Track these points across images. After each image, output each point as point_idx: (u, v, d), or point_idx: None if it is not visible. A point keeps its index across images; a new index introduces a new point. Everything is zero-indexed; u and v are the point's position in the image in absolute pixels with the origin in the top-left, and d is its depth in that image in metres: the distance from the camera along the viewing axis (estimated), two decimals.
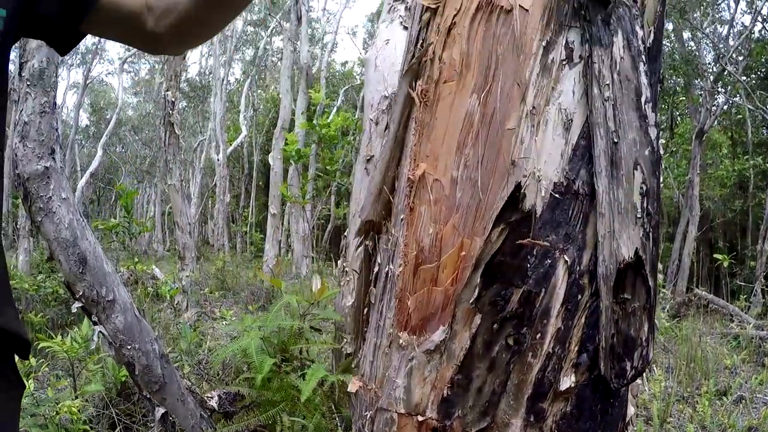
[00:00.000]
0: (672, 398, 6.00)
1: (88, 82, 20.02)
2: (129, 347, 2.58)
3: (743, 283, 14.81)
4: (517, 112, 0.80)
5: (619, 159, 0.76)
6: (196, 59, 31.00)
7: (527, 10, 0.82)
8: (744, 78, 18.94)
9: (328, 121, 5.57)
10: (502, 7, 0.84)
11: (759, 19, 18.69)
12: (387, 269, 0.92)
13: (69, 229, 2.46)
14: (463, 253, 0.82)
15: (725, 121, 20.03)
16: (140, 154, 26.54)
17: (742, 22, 20.16)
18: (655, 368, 7.46)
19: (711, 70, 15.90)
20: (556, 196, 0.77)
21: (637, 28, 0.77)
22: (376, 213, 0.94)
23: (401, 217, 0.89)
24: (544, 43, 0.79)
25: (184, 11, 1.00)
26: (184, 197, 8.60)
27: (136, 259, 8.74)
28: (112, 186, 28.47)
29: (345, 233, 4.22)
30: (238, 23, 26.84)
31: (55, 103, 2.46)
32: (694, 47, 17.75)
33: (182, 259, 8.24)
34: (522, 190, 0.79)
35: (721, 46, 17.55)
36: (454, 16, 0.88)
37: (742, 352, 8.35)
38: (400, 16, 4.19)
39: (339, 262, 3.63)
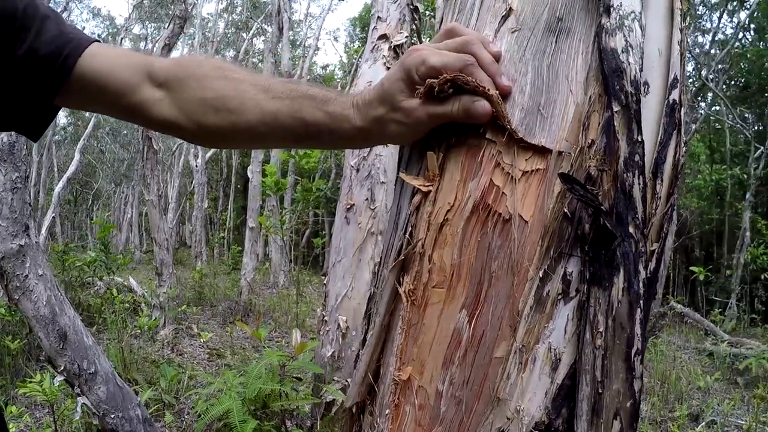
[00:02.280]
0: (645, 424, 6.06)
1: None
2: (113, 416, 2.57)
3: (718, 299, 14.98)
4: (507, 342, 0.77)
5: (600, 407, 0.73)
6: None
7: (527, 222, 0.78)
8: (724, 87, 19.19)
9: (308, 152, 5.52)
10: (500, 214, 0.80)
11: (740, 28, 18.92)
12: None
13: (47, 306, 2.42)
14: None
15: (704, 129, 20.30)
16: (118, 156, 26.29)
17: (724, 32, 20.38)
18: None
19: (692, 83, 16.09)
20: None
21: (641, 268, 0.74)
22: (361, 394, 0.91)
23: (386, 411, 0.85)
24: (541, 273, 0.75)
25: (243, 125, 0.91)
26: (161, 212, 8.51)
27: (113, 270, 8.65)
28: (89, 188, 28.18)
29: (324, 272, 4.20)
30: (220, 24, 26.65)
31: (27, 177, 2.40)
32: None
33: (160, 275, 8.17)
34: (505, 428, 0.76)
35: (701, 58, 17.75)
36: (447, 211, 0.84)
37: (716, 372, 8.46)
38: (384, 56, 4.14)
39: (318, 310, 3.61)
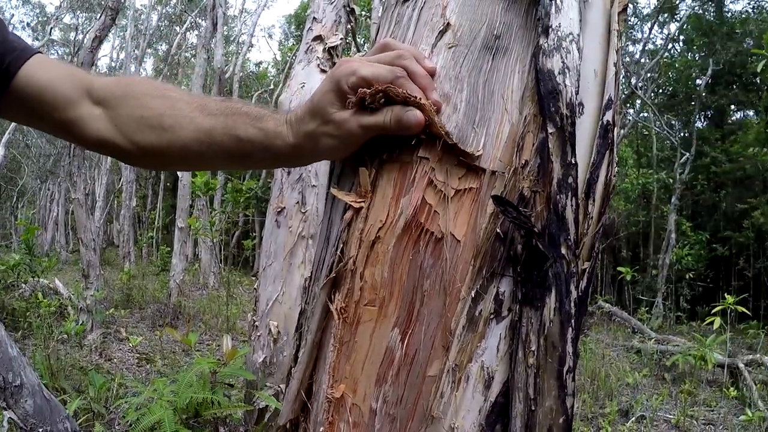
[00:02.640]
0: (577, 420, 6.21)
1: None
2: (41, 430, 2.47)
3: (645, 298, 15.51)
4: (440, 361, 0.76)
5: (533, 424, 0.73)
6: (107, 52, 29.80)
7: (459, 241, 0.78)
8: (652, 95, 19.89)
9: None
10: (432, 233, 0.79)
11: (669, 39, 19.63)
12: None
13: None
14: None
15: (632, 134, 20.97)
16: (44, 152, 25.34)
17: (654, 42, 21.11)
18: None
19: (622, 90, 16.59)
20: None
21: (572, 288, 0.74)
22: (294, 412, 0.89)
23: (320, 429, 0.83)
24: (473, 293, 0.75)
25: (178, 143, 0.90)
26: (88, 212, 8.25)
27: (38, 273, 8.33)
28: (14, 185, 27.09)
29: (255, 277, 4.13)
30: (153, 17, 26.06)
31: None
32: None
33: (86, 277, 7.91)
34: None
35: (632, 66, 18.33)
36: (379, 228, 0.82)
37: (644, 369, 8.74)
38: (318, 57, 4.10)
39: (249, 315, 3.55)
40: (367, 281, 0.82)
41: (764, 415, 6.04)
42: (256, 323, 3.44)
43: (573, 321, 0.74)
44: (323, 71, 4.05)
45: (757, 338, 11.40)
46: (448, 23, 0.90)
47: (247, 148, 0.88)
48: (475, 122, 0.80)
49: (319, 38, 4.18)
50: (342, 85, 0.81)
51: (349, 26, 4.56)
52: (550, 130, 0.75)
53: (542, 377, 0.74)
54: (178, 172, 12.94)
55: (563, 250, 0.73)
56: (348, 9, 4.42)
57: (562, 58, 0.78)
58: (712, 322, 7.98)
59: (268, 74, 30.33)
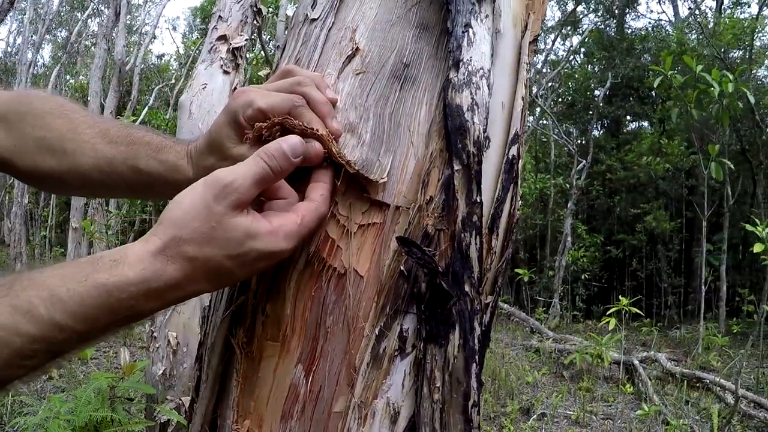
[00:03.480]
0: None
1: None
2: None
3: (542, 299, 16.04)
4: (345, 397, 0.74)
5: None
6: (2, 35, 28.19)
7: (362, 277, 0.76)
8: (552, 103, 20.61)
9: None
10: (335, 269, 0.77)
11: (571, 51, 20.39)
12: None
13: None
14: None
15: (531, 140, 21.63)
16: None
17: (556, 53, 21.87)
18: None
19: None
20: None
21: (476, 324, 0.74)
22: None
23: None
24: (377, 330, 0.73)
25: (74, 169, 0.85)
26: None
27: None
28: None
29: None
30: (54, 1, 24.82)
31: None
32: None
33: None
34: None
35: (534, 75, 18.91)
36: (280, 263, 0.80)
37: (543, 367, 9.04)
38: (222, 58, 4.00)
39: (147, 326, 3.41)
40: (269, 316, 0.80)
41: (659, 408, 6.36)
42: (155, 334, 3.31)
43: (477, 356, 0.74)
44: (226, 72, 3.96)
45: (651, 335, 11.98)
46: (357, 48, 0.88)
47: (147, 181, 0.84)
48: (380, 154, 0.79)
49: (223, 38, 4.07)
50: (238, 117, 0.77)
51: (255, 26, 4.48)
52: (456, 167, 0.74)
53: (448, 412, 0.73)
54: None
55: (467, 288, 0.73)
56: (255, 9, 4.33)
57: (471, 94, 0.77)
58: (608, 321, 8.34)
59: (170, 67, 29.47)
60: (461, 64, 0.79)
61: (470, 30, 0.81)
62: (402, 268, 0.74)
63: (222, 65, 3.99)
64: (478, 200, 0.74)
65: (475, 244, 0.74)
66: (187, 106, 3.76)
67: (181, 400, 3.22)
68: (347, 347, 0.75)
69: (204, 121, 3.71)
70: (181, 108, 3.81)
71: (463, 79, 0.78)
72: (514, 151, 0.83)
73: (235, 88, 4.00)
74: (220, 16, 4.13)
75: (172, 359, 3.26)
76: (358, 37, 0.89)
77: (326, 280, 0.77)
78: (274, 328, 0.79)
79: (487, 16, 0.86)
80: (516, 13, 0.95)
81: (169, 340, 3.25)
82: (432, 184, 0.76)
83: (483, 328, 0.77)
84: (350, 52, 0.88)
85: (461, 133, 0.75)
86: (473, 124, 0.76)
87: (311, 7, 0.97)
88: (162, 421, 3.21)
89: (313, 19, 0.95)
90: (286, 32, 1.06)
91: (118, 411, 2.93)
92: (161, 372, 3.22)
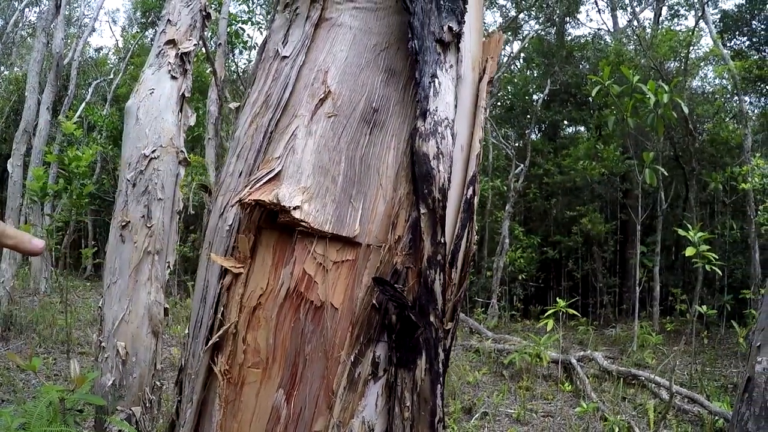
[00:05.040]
0: None
1: None
2: None
3: (480, 299, 16.28)
4: (324, 418, 0.82)
5: None
6: None
7: (337, 309, 0.83)
8: (490, 107, 20.89)
9: (79, 154, 5.11)
10: (312, 302, 0.84)
11: (512, 57, 20.68)
12: None
13: None
14: None
15: None
16: None
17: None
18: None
19: None
20: None
21: (440, 350, 0.83)
22: None
23: None
24: (352, 358, 0.81)
25: None
26: None
27: None
28: None
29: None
30: None
31: None
32: None
33: None
34: None
35: None
36: (260, 295, 0.86)
37: (483, 367, 9.19)
38: (170, 62, 3.94)
39: (95, 335, 3.38)
40: (249, 345, 0.86)
41: (597, 405, 6.55)
42: (103, 344, 3.26)
43: (441, 378, 0.83)
44: (174, 78, 3.91)
45: (587, 334, 12.24)
46: (329, 91, 0.94)
47: None
48: (352, 196, 0.86)
49: (172, 42, 4.00)
50: None
51: (204, 31, 4.46)
52: (423, 210, 0.82)
53: (417, 428, 0.82)
54: (9, 167, 11.95)
55: (432, 318, 0.82)
56: (204, 14, 4.30)
57: (437, 143, 0.85)
58: (546, 323, 8.55)
59: (108, 61, 28.68)
60: (428, 114, 0.87)
61: (436, 80, 0.89)
62: (374, 301, 0.81)
63: (170, 70, 3.92)
64: (442, 241, 0.82)
65: (439, 279, 0.82)
66: (134, 111, 3.69)
67: (131, 410, 3.19)
68: (325, 372, 0.82)
69: (151, 128, 3.67)
70: (128, 113, 3.75)
71: (430, 128, 0.86)
72: (471, 191, 0.91)
73: (183, 95, 3.98)
74: (168, 20, 4.06)
75: (121, 369, 3.23)
76: (330, 80, 0.96)
77: (304, 313, 0.84)
78: (256, 356, 0.85)
79: (451, 66, 0.94)
80: (475, 56, 1.04)
81: (118, 350, 3.21)
82: (400, 225, 0.84)
83: (445, 353, 0.86)
84: (322, 95, 0.94)
85: (427, 180, 0.83)
86: (439, 171, 0.84)
87: (282, 43, 1.03)
88: None
89: (284, 57, 1.01)
90: (253, 64, 1.11)
91: (70, 424, 2.90)
92: (111, 383, 3.18)
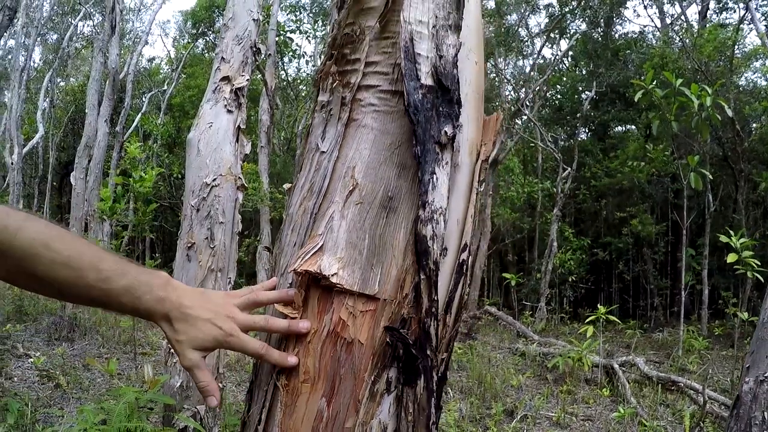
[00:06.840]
0: (466, 422, 6.74)
1: None
2: None
3: (529, 303, 16.40)
4: (353, 418, 1.17)
5: None
6: None
7: (363, 344, 1.19)
8: (540, 108, 20.96)
9: (143, 175, 5.62)
10: (345, 338, 1.20)
11: (559, 57, 20.66)
12: None
13: None
14: None
15: (519, 144, 21.76)
16: None
17: (543, 57, 21.96)
18: (450, 390, 8.24)
19: (509, 107, 17.38)
20: None
21: (434, 374, 1.18)
22: None
23: None
24: (372, 378, 1.16)
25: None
26: None
27: None
28: None
29: None
30: (45, 6, 25.05)
31: None
32: (497, 82, 19.23)
33: None
34: None
35: (521, 81, 19.27)
36: (310, 334, 1.23)
37: (528, 370, 9.43)
38: (225, 98, 4.34)
39: (165, 342, 3.83)
40: (302, 367, 1.22)
41: (635, 410, 6.76)
42: (171, 351, 3.73)
43: (435, 393, 1.18)
44: (230, 111, 4.29)
45: (634, 338, 12.30)
46: (357, 183, 1.29)
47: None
48: (373, 264, 1.22)
49: (226, 79, 4.37)
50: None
51: (255, 65, 4.82)
52: (422, 276, 1.17)
53: (417, 428, 1.17)
54: (72, 180, 12.68)
55: (428, 352, 1.17)
56: (254, 49, 4.67)
57: (433, 228, 1.20)
58: (586, 329, 8.74)
59: (161, 71, 29.60)
60: (427, 204, 1.22)
61: (434, 176, 1.24)
62: (388, 340, 1.17)
63: (226, 105, 4.31)
64: (436, 298, 1.18)
65: (434, 325, 1.18)
66: (195, 143, 4.09)
67: (196, 408, 3.64)
68: (354, 388, 1.18)
69: (211, 158, 4.07)
70: (190, 145, 4.14)
71: (428, 216, 1.21)
72: (464, 256, 1.26)
73: (239, 126, 4.37)
74: (222, 57, 4.42)
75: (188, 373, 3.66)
76: (357, 174, 1.30)
77: (340, 346, 1.20)
78: (307, 375, 1.22)
79: (447, 163, 1.28)
80: (472, 141, 1.37)
81: None
82: (407, 285, 1.19)
83: (439, 375, 1.21)
84: (351, 187, 1.29)
85: (426, 255, 1.18)
86: (433, 249, 1.19)
87: (321, 138, 1.38)
88: (180, 428, 3.63)
89: (323, 151, 1.36)
90: (299, 155, 1.45)
91: (144, 421, 3.34)
92: (179, 384, 3.64)
